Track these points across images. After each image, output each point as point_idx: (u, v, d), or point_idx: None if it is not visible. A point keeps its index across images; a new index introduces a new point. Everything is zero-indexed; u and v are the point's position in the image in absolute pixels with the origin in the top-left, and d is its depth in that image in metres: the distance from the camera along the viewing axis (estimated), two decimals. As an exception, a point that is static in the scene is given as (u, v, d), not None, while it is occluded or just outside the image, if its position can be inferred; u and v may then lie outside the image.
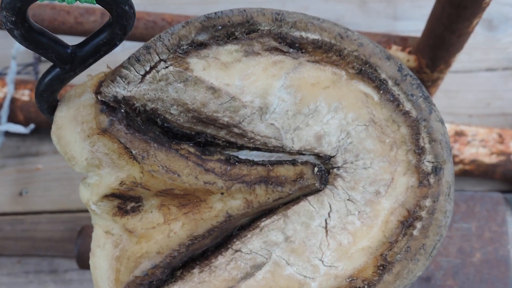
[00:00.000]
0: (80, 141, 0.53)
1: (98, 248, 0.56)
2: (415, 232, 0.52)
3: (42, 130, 1.27)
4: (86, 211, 1.30)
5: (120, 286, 0.53)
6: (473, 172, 1.16)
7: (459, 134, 1.15)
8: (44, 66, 1.36)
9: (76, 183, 1.25)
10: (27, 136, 1.28)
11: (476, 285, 0.85)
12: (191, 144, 0.53)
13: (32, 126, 1.24)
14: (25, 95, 1.23)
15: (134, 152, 0.51)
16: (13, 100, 1.23)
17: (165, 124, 0.52)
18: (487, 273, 0.85)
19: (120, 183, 0.53)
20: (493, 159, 1.15)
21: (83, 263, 0.93)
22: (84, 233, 0.93)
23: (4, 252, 1.16)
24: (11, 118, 1.25)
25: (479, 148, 1.15)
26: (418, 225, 0.52)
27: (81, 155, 0.53)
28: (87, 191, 0.54)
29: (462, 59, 1.33)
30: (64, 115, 0.53)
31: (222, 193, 0.52)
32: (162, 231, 0.53)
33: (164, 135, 0.53)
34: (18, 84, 1.24)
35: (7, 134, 1.27)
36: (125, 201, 0.55)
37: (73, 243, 1.10)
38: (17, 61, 1.27)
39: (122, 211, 0.55)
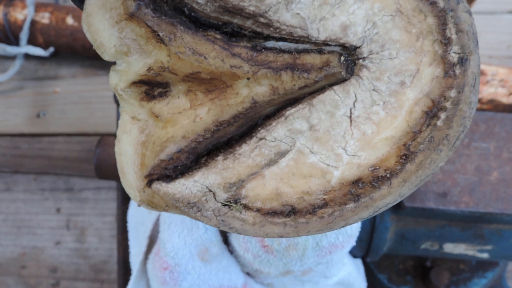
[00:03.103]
0: (108, 27, 0.53)
1: (124, 134, 0.56)
2: (439, 123, 0.52)
3: (61, 54, 1.27)
4: (103, 134, 1.31)
5: (145, 170, 0.54)
6: (490, 113, 1.15)
7: (479, 72, 1.14)
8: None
9: (93, 107, 1.26)
10: (45, 59, 1.28)
11: (492, 203, 0.85)
12: (217, 32, 0.53)
13: (51, 49, 1.24)
14: (45, 17, 1.22)
15: (161, 34, 0.51)
16: (33, 23, 1.22)
17: (192, 14, 0.52)
18: (503, 192, 0.85)
19: (148, 69, 0.53)
20: (512, 100, 1.14)
21: (101, 172, 0.94)
22: (103, 142, 0.93)
23: (21, 169, 1.18)
24: (31, 41, 1.25)
25: (498, 88, 1.14)
26: (442, 115, 0.52)
27: (109, 42, 0.53)
28: (116, 76, 0.55)
29: (485, 0, 1.32)
30: (94, 2, 0.53)
31: (248, 78, 0.52)
32: (188, 116, 0.54)
33: (191, 23, 0.53)
34: (39, 7, 1.23)
35: (26, 57, 1.27)
36: (153, 87, 0.55)
37: (89, 163, 1.11)
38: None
39: (149, 96, 0.55)
